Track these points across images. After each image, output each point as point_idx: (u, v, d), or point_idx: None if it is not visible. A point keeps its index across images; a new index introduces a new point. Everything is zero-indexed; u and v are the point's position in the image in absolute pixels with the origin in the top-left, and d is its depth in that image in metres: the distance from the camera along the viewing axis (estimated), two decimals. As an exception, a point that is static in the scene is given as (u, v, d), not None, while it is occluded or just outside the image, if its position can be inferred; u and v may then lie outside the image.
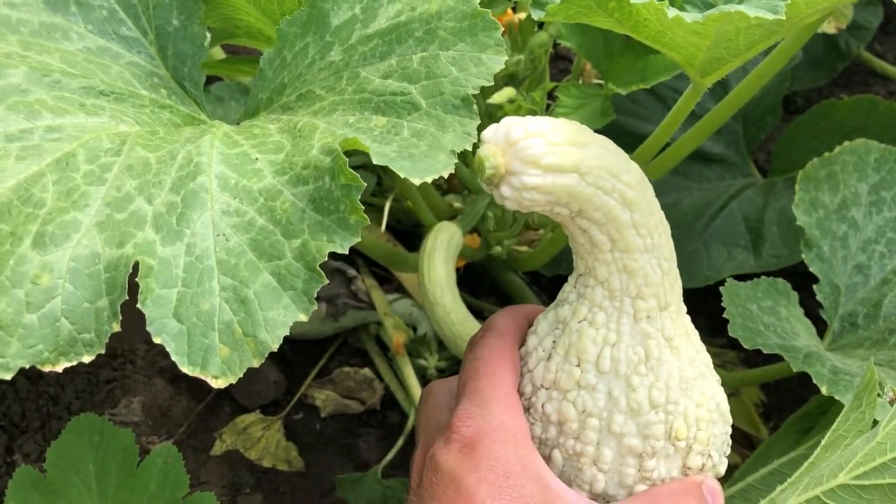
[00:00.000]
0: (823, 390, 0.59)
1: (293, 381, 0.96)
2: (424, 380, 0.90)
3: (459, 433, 0.50)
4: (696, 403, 0.52)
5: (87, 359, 0.45)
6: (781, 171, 1.03)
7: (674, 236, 0.56)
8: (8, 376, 0.44)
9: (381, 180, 0.99)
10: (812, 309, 0.76)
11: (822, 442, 0.52)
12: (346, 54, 0.57)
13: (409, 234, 1.03)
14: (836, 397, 0.58)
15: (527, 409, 0.53)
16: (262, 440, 0.90)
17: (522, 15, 0.88)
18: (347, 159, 0.48)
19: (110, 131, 0.54)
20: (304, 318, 0.47)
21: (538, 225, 0.94)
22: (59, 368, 0.45)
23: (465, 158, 0.93)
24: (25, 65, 0.56)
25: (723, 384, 0.90)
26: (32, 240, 0.46)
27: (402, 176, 0.47)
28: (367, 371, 0.95)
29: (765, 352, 0.64)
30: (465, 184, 0.94)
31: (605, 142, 0.49)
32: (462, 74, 0.52)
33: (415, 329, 0.95)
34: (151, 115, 0.60)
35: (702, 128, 0.79)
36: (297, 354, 0.98)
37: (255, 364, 0.46)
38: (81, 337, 0.45)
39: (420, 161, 0.48)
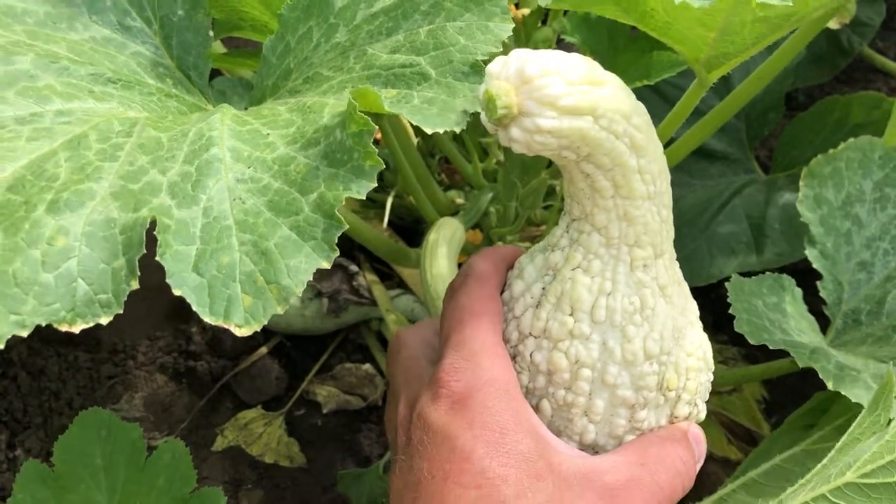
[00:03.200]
0: (829, 385, 0.59)
1: (295, 377, 0.96)
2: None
3: (448, 388, 0.48)
4: (686, 353, 0.51)
5: (104, 320, 0.45)
6: (784, 168, 1.03)
7: (677, 233, 0.56)
8: (24, 333, 0.43)
9: (384, 177, 0.99)
10: (814, 305, 0.76)
11: (838, 444, 0.51)
12: (351, 34, 0.57)
13: (411, 229, 1.02)
14: (842, 392, 0.58)
15: (512, 357, 0.51)
16: (263, 436, 0.90)
17: (526, 11, 0.87)
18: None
19: (120, 116, 0.54)
20: (326, 265, 0.46)
21: (540, 220, 0.94)
22: (76, 329, 0.44)
23: (467, 153, 0.93)
24: (33, 52, 0.56)
25: (725, 380, 0.90)
26: (47, 206, 0.46)
27: (415, 124, 0.48)
28: (368, 367, 0.95)
29: (770, 347, 0.64)
30: (467, 179, 0.94)
31: (617, 79, 0.46)
32: (470, 42, 0.52)
33: (416, 325, 0.95)
34: (158, 103, 0.60)
35: (705, 125, 0.78)
36: (298, 350, 0.98)
37: (280, 310, 0.45)
38: (98, 298, 0.45)
39: (432, 119, 0.48)
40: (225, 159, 0.49)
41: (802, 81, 1.18)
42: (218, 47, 0.89)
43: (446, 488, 0.45)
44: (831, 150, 0.76)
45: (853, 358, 0.65)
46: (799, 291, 0.73)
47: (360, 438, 0.92)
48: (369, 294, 0.96)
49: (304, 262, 0.46)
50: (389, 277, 1.01)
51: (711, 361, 0.54)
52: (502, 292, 0.54)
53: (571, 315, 0.50)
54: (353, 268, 0.97)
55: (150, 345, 0.97)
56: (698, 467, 0.52)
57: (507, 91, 0.44)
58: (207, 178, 0.48)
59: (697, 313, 0.54)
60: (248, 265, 0.46)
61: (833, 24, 1.05)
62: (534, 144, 0.45)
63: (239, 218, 0.47)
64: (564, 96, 0.43)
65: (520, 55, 0.45)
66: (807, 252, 0.74)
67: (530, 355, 0.50)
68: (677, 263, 0.53)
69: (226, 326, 0.45)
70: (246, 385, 0.94)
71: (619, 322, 0.49)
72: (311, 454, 0.90)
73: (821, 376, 0.60)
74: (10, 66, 0.54)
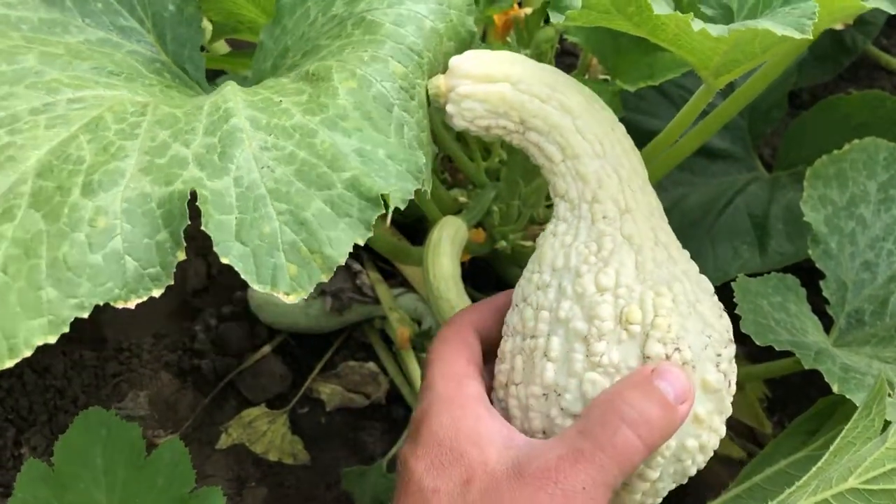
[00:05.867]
0: (835, 388, 0.58)
1: (298, 375, 0.96)
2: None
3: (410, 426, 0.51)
4: (655, 293, 0.50)
5: (156, 293, 0.46)
6: (787, 166, 1.03)
7: (680, 233, 0.56)
8: (85, 314, 0.44)
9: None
10: (816, 305, 0.76)
11: (832, 447, 0.52)
12: (349, 6, 0.57)
13: (414, 228, 1.03)
14: (848, 396, 0.58)
15: (505, 335, 0.55)
16: (267, 434, 0.90)
17: (528, 10, 0.87)
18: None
19: (131, 99, 0.54)
20: (360, 241, 0.47)
21: (543, 219, 0.94)
22: (132, 305, 0.45)
23: (469, 151, 0.93)
24: (34, 52, 0.57)
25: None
26: (81, 189, 0.47)
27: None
28: (372, 365, 0.95)
29: (777, 348, 0.64)
30: (470, 178, 0.94)
31: (542, 65, 0.56)
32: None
33: (419, 323, 0.96)
34: (161, 93, 0.60)
35: (708, 124, 0.78)
36: (302, 348, 0.98)
37: (325, 279, 0.46)
38: (148, 272, 0.46)
39: None
40: (245, 128, 0.50)
41: (806, 80, 1.18)
42: (221, 47, 0.89)
43: None
44: (836, 151, 0.76)
45: (857, 359, 0.65)
46: (803, 291, 0.73)
47: (363, 436, 0.92)
48: (372, 292, 0.96)
49: (343, 234, 0.47)
50: (393, 276, 1.01)
51: (713, 320, 0.51)
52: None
53: (538, 272, 0.54)
54: (357, 266, 0.97)
55: (155, 343, 0.97)
56: (683, 408, 0.47)
57: (438, 79, 0.55)
58: (232, 149, 0.49)
59: (695, 276, 0.54)
60: (289, 234, 0.47)
61: (837, 25, 1.05)
62: (464, 112, 0.55)
63: (270, 187, 0.47)
64: (477, 67, 0.55)
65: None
66: (810, 251, 0.74)
67: (509, 320, 0.55)
68: (672, 236, 0.55)
69: (274, 294, 0.46)
70: (250, 383, 0.94)
71: (574, 264, 0.52)
72: (314, 452, 0.91)
73: (826, 379, 0.60)
74: (15, 65, 0.55)
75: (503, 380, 0.53)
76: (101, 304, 0.45)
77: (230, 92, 0.53)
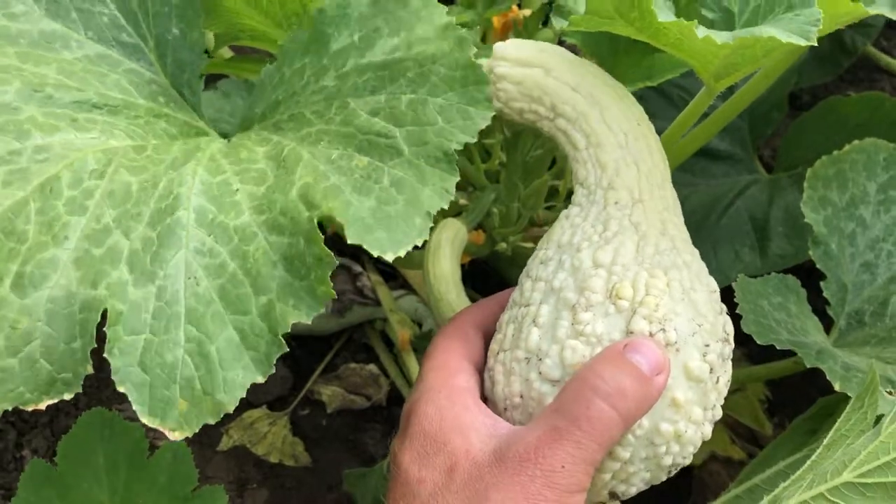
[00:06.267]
0: (836, 387, 0.59)
1: (299, 376, 0.96)
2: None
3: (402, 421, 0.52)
4: (650, 274, 0.50)
5: (67, 396, 0.46)
6: (787, 168, 1.03)
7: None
8: None
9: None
10: (816, 305, 0.76)
11: (825, 441, 0.52)
12: (339, 81, 0.57)
13: (415, 230, 1.03)
14: (849, 394, 0.58)
15: (505, 309, 0.56)
16: (268, 435, 0.91)
17: (527, 12, 0.87)
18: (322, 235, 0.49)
19: (98, 148, 0.54)
20: (261, 380, 0.48)
21: (543, 221, 0.94)
22: (42, 406, 0.46)
23: (469, 153, 0.93)
24: (19, 79, 0.57)
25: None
26: (13, 281, 0.47)
27: (376, 254, 0.48)
28: (372, 367, 0.95)
29: (778, 348, 0.64)
30: (469, 180, 0.94)
31: (577, 58, 0.59)
32: (447, 126, 0.52)
33: (420, 325, 0.96)
34: (146, 126, 0.60)
35: (708, 126, 0.79)
36: (303, 350, 0.98)
37: (211, 422, 0.47)
38: (61, 377, 0.47)
39: (396, 227, 0.48)
40: (188, 224, 0.50)
41: (806, 81, 1.18)
42: (225, 52, 0.89)
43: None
44: (836, 152, 0.76)
45: (857, 359, 0.65)
46: (803, 292, 0.73)
47: (364, 438, 0.92)
48: (373, 294, 0.96)
49: (241, 375, 0.47)
50: (393, 278, 1.01)
51: (706, 311, 0.51)
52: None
53: (544, 248, 0.55)
54: (357, 268, 0.98)
55: (156, 345, 0.97)
56: (659, 380, 0.47)
57: (486, 62, 0.57)
58: (167, 249, 0.49)
59: (697, 268, 0.54)
60: (189, 369, 0.47)
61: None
62: (499, 93, 0.58)
63: (190, 305, 0.48)
64: (516, 51, 0.58)
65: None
66: (811, 253, 0.75)
67: (513, 295, 0.56)
68: (674, 223, 0.55)
69: (160, 429, 0.46)
70: (251, 385, 0.95)
71: (577, 241, 0.53)
72: (315, 454, 0.91)
73: (828, 377, 0.60)
74: None
75: (495, 348, 0.54)
76: (10, 409, 0.45)
77: (191, 171, 0.53)
